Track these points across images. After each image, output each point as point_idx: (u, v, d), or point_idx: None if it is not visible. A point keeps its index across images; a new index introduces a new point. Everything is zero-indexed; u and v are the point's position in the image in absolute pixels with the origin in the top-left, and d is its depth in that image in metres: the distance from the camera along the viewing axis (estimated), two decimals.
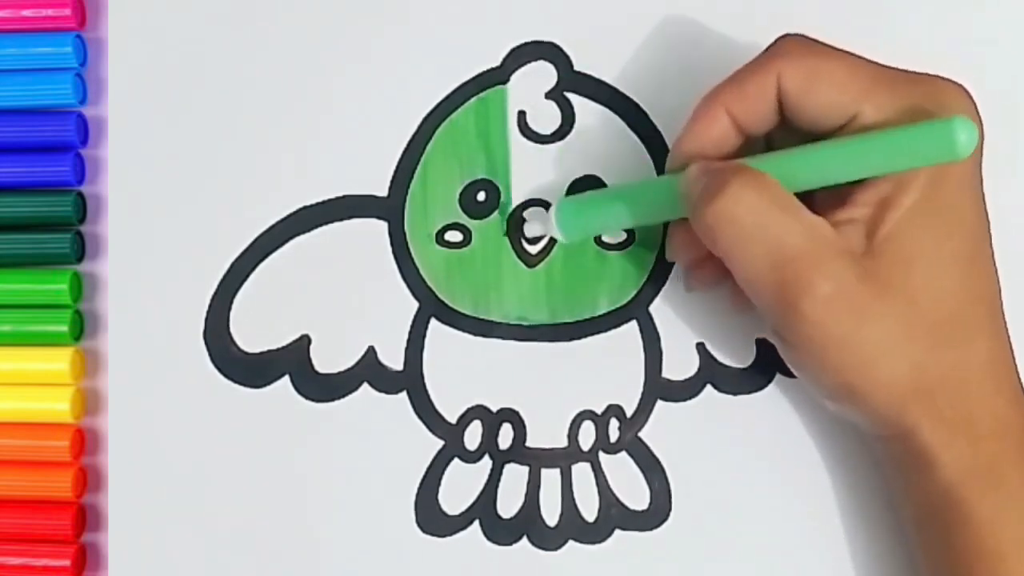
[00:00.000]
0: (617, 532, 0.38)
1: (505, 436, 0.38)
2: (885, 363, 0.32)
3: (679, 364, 0.38)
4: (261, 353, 0.39)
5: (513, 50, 0.39)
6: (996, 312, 0.33)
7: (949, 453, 0.32)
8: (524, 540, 0.38)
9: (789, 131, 0.34)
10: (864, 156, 0.31)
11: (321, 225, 0.39)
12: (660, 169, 0.38)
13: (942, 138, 0.29)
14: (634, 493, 0.38)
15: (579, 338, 0.38)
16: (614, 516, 0.38)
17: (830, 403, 0.34)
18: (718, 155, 0.34)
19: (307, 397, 0.39)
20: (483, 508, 0.38)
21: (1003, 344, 0.33)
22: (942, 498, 0.32)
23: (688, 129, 0.34)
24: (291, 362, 0.39)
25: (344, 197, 0.39)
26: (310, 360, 0.39)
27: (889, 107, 0.32)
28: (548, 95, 0.39)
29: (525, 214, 0.38)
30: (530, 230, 0.38)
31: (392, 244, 0.39)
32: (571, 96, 0.39)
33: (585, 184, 0.38)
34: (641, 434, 0.38)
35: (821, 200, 0.33)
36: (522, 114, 0.39)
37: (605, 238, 0.38)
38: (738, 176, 0.31)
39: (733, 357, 0.38)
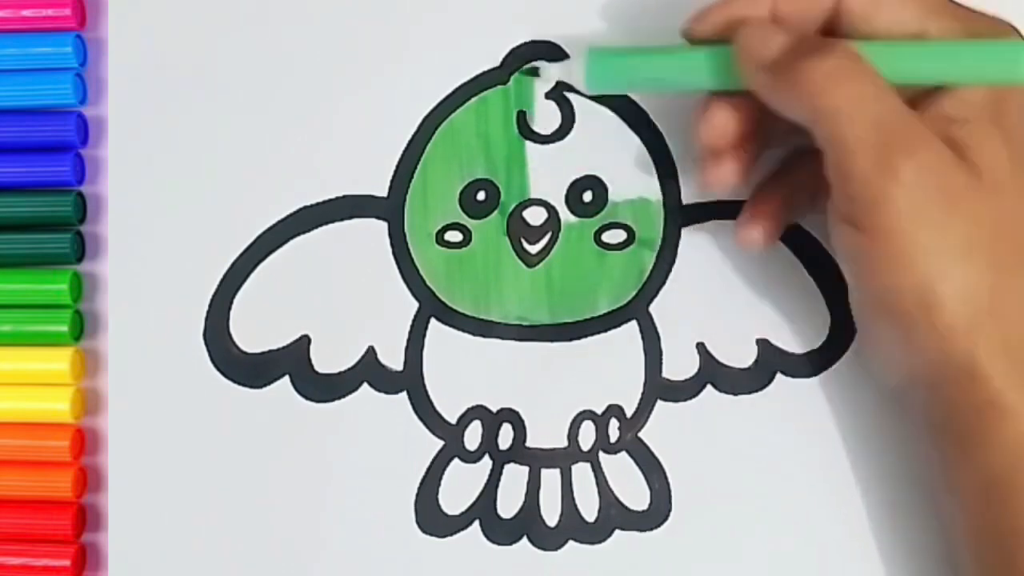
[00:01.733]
0: (617, 532, 0.38)
1: (505, 436, 0.38)
2: (972, 265, 0.30)
3: (679, 364, 0.38)
4: (261, 353, 0.39)
5: (513, 50, 0.39)
6: None
7: (1023, 402, 0.30)
8: (524, 540, 0.38)
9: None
10: (948, 58, 0.31)
11: (321, 225, 0.39)
12: (660, 169, 0.38)
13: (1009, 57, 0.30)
14: (634, 493, 0.38)
15: (579, 338, 0.38)
16: (614, 516, 0.38)
17: (895, 323, 0.31)
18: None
19: (307, 397, 0.39)
20: (483, 508, 0.38)
21: None
22: (1012, 456, 0.30)
23: (725, 3, 0.33)
24: (291, 362, 0.39)
25: (344, 197, 0.39)
26: (310, 360, 0.39)
27: (954, 30, 0.32)
28: (548, 95, 0.39)
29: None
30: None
31: (392, 244, 0.39)
32: (571, 96, 0.39)
33: (585, 184, 0.38)
34: (641, 434, 0.38)
35: None
36: (522, 114, 0.39)
37: (605, 238, 0.38)
38: (838, 43, 0.31)
39: (733, 357, 0.38)
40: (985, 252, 0.30)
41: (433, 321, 0.39)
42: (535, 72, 0.38)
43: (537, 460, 0.38)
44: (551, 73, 0.37)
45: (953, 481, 0.33)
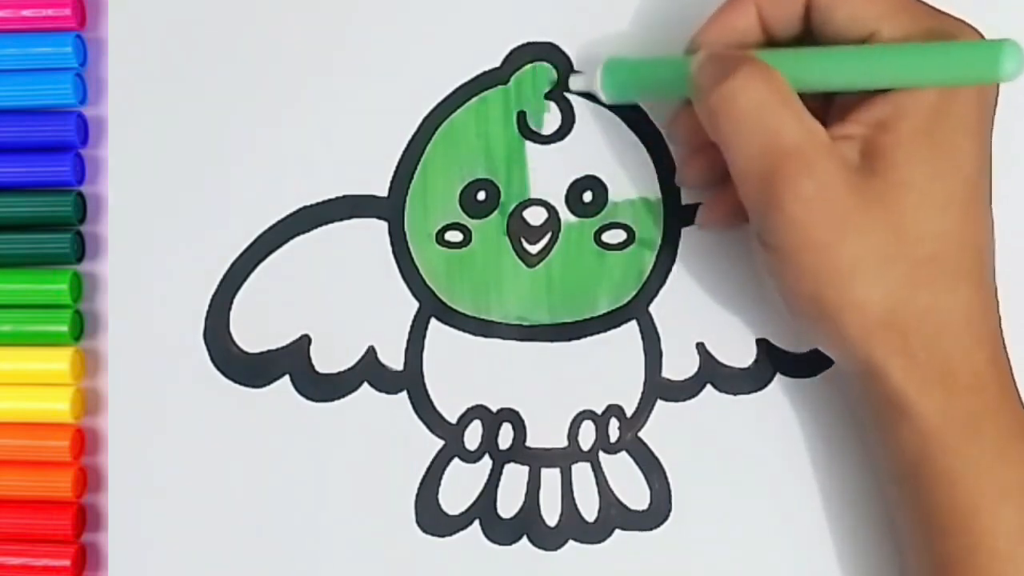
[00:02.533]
0: (617, 532, 0.38)
1: (505, 436, 0.38)
2: (860, 282, 0.31)
3: (679, 364, 0.38)
4: (261, 353, 0.39)
5: (513, 50, 0.39)
6: (984, 263, 0.33)
7: (923, 402, 0.32)
8: (524, 540, 0.38)
9: (811, 41, 0.34)
10: (873, 62, 0.31)
11: (321, 225, 0.39)
12: (660, 169, 0.38)
13: (987, 58, 0.29)
14: (634, 493, 0.38)
15: (579, 338, 0.38)
16: (614, 516, 0.38)
17: (803, 324, 0.34)
18: (737, 48, 0.34)
19: (307, 397, 0.39)
20: (483, 508, 0.38)
21: (987, 296, 0.33)
22: (916, 450, 0.32)
23: (715, 16, 0.34)
24: (291, 362, 0.39)
25: (344, 197, 0.39)
26: (310, 360, 0.39)
27: (906, 30, 0.32)
28: (548, 95, 0.39)
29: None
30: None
31: (392, 244, 0.39)
32: (571, 96, 0.39)
33: (585, 184, 0.38)
34: (641, 434, 0.38)
35: (825, 114, 0.33)
36: (522, 114, 0.39)
37: (605, 238, 0.38)
38: (746, 65, 0.32)
39: (733, 357, 0.38)
40: (881, 266, 0.31)
41: (433, 321, 0.39)
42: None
43: (537, 460, 0.38)
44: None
45: (879, 462, 0.35)
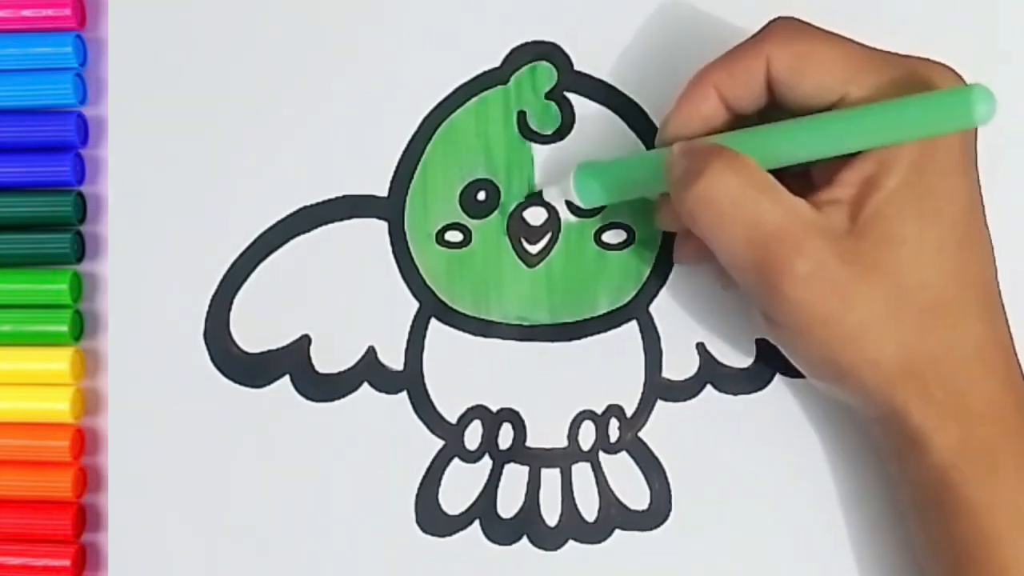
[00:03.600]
0: (617, 532, 0.38)
1: (505, 436, 0.38)
2: (871, 342, 0.32)
3: (679, 364, 0.38)
4: (261, 353, 0.39)
5: (513, 50, 0.39)
6: (990, 296, 0.33)
7: (941, 436, 0.32)
8: (524, 540, 0.38)
9: (780, 109, 0.34)
10: (846, 129, 0.31)
11: (321, 225, 0.39)
12: None
13: (959, 106, 0.29)
14: (634, 493, 0.38)
15: (579, 338, 0.38)
16: (614, 516, 0.38)
17: (820, 383, 0.34)
18: (707, 131, 0.34)
19: (307, 397, 0.39)
20: (483, 508, 0.38)
21: (997, 328, 0.33)
22: (936, 482, 0.32)
23: (678, 106, 0.34)
24: (291, 362, 0.39)
25: (344, 197, 0.39)
26: (310, 360, 0.39)
27: (876, 87, 0.32)
28: (548, 95, 0.39)
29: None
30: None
31: (392, 244, 0.39)
32: (571, 96, 0.39)
33: None
34: (641, 434, 0.38)
35: (814, 181, 0.33)
36: (522, 114, 0.39)
37: (605, 238, 0.38)
38: (716, 158, 0.32)
39: (733, 357, 0.38)
40: (889, 322, 0.32)
41: (433, 321, 0.39)
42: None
43: (537, 460, 0.38)
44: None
45: (899, 493, 0.35)
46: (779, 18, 0.33)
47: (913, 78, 0.32)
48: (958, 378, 0.32)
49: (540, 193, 0.38)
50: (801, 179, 0.33)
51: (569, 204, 0.38)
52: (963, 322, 0.32)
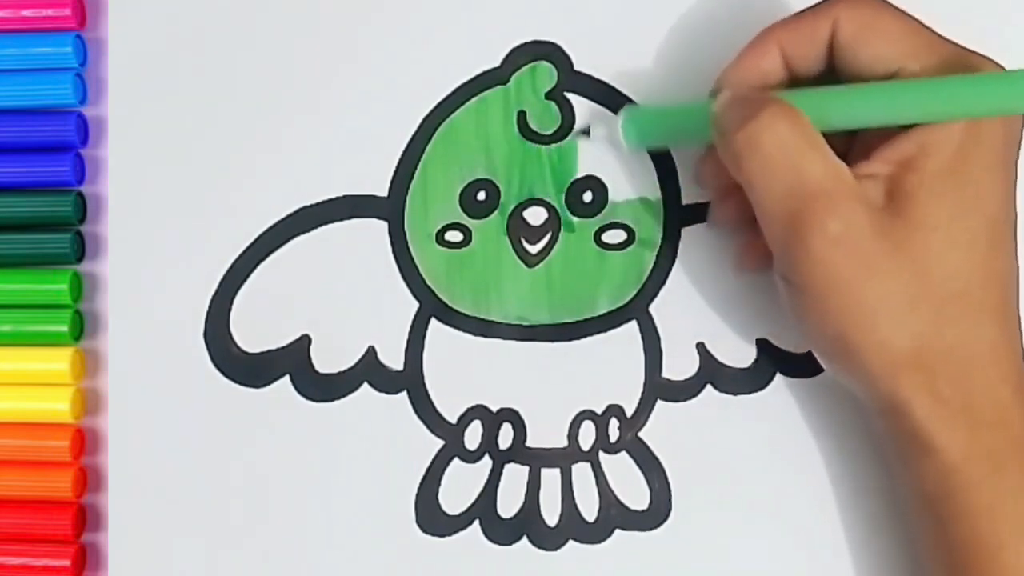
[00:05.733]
0: (617, 532, 0.38)
1: (505, 436, 0.38)
2: (885, 323, 0.31)
3: (679, 364, 0.38)
4: (261, 353, 0.39)
5: (513, 50, 0.39)
6: (1009, 300, 0.33)
7: (946, 437, 0.32)
8: (524, 540, 0.38)
9: (835, 78, 0.34)
10: (902, 99, 0.31)
11: (321, 225, 0.39)
12: (660, 169, 0.38)
13: (1015, 87, 0.30)
14: (634, 493, 0.38)
15: (579, 338, 0.38)
16: (614, 516, 0.38)
17: (827, 361, 0.34)
18: (763, 87, 0.34)
19: (307, 397, 0.39)
20: (483, 508, 0.38)
21: (1013, 333, 0.33)
22: (939, 485, 0.32)
23: (739, 58, 0.34)
24: (291, 362, 0.39)
25: (344, 197, 0.39)
26: (310, 360, 0.39)
27: (932, 66, 0.32)
28: (548, 95, 0.39)
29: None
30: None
31: (392, 244, 0.39)
32: (571, 96, 0.39)
33: (585, 184, 0.38)
34: (641, 434, 0.38)
35: (852, 156, 0.33)
36: (522, 114, 0.39)
37: (605, 238, 0.38)
38: (770, 106, 0.32)
39: (733, 357, 0.38)
40: (907, 306, 0.31)
41: (433, 321, 0.39)
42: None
43: (537, 460, 0.38)
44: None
45: (901, 493, 0.35)
46: None
47: (967, 64, 0.32)
48: (968, 378, 0.32)
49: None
50: (840, 151, 0.33)
51: (569, 204, 0.38)
52: (980, 321, 0.32)
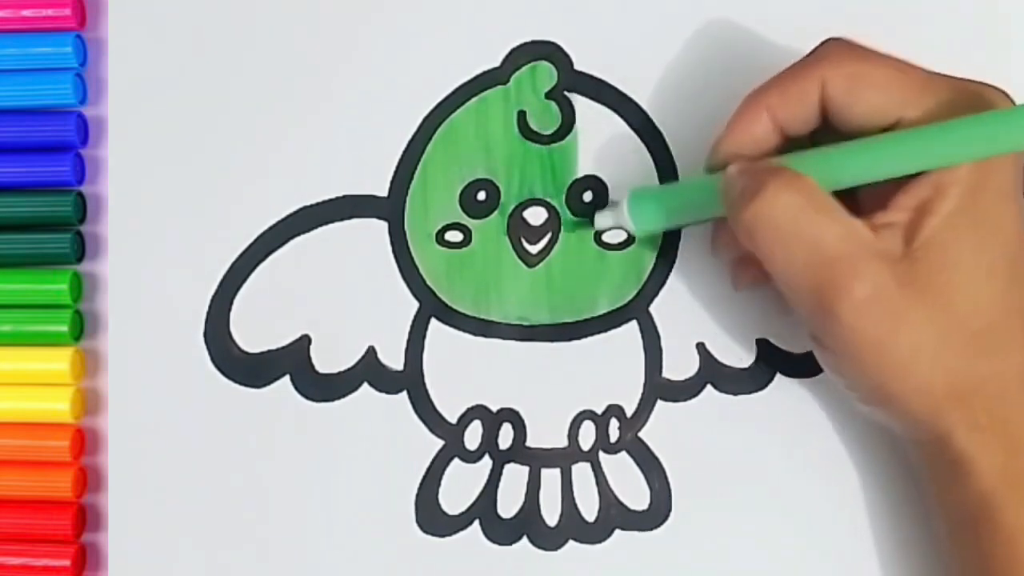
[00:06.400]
0: (617, 532, 0.38)
1: (505, 436, 0.38)
2: (921, 368, 0.31)
3: (679, 364, 0.38)
4: (261, 353, 0.39)
5: (513, 50, 0.39)
6: None
7: (984, 461, 0.32)
8: (524, 540, 0.38)
9: (831, 132, 0.33)
10: (906, 150, 0.31)
11: (321, 225, 0.39)
12: (660, 169, 0.38)
13: (1019, 124, 0.29)
14: (634, 493, 0.38)
15: (579, 338, 0.38)
16: (614, 516, 0.38)
17: (865, 407, 0.34)
18: (759, 154, 0.33)
19: (307, 397, 0.39)
20: (483, 508, 0.38)
21: None
22: (976, 506, 0.32)
23: (729, 128, 0.34)
24: (291, 362, 0.39)
25: (344, 197, 0.39)
26: (310, 360, 0.39)
27: (932, 109, 0.32)
28: (548, 95, 0.39)
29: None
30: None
31: (392, 244, 0.39)
32: (571, 96, 0.39)
33: (585, 184, 0.38)
34: (641, 434, 0.38)
35: (861, 203, 0.33)
36: (522, 114, 0.39)
37: (605, 238, 0.38)
38: (775, 178, 0.31)
39: (733, 357, 0.38)
40: (939, 347, 0.31)
41: (433, 321, 0.39)
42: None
43: (537, 460, 0.38)
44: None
45: (934, 510, 0.35)
46: (832, 39, 0.33)
47: (968, 100, 0.31)
48: (1003, 404, 0.32)
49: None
50: (846, 202, 0.32)
51: (569, 204, 0.38)
52: (1009, 348, 0.32)
